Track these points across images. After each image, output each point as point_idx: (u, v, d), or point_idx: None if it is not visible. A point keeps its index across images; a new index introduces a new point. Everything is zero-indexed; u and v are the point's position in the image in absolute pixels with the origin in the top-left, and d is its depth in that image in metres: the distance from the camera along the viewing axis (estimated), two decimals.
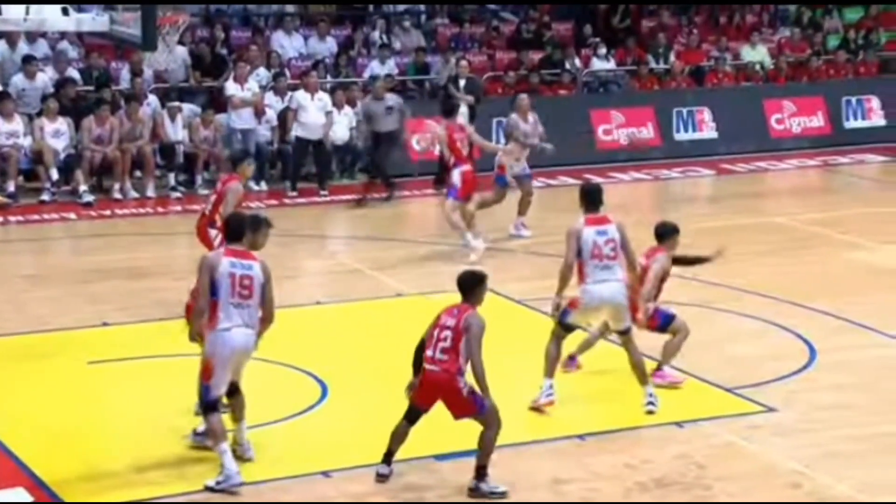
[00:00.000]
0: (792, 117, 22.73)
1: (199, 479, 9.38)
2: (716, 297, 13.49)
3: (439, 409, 9.93)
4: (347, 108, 19.84)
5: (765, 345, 12.36)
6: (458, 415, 9.13)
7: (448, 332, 8.96)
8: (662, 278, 11.10)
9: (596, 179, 17.94)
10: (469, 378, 8.92)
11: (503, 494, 8.99)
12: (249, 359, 9.39)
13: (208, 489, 8.98)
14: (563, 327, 10.74)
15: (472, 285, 9.25)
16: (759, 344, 12.38)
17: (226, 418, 9.55)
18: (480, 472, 9.03)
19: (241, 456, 9.46)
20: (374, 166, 19.12)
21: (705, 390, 11.14)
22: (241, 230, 9.49)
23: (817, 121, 22.78)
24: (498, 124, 20.19)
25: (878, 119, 22.92)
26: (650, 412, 10.52)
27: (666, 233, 11.23)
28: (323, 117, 19.12)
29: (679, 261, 11.35)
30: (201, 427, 9.62)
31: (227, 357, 9.19)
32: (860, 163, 21.52)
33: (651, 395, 10.62)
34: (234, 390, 9.46)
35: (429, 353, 9.02)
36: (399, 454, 9.55)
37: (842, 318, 12.85)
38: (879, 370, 11.69)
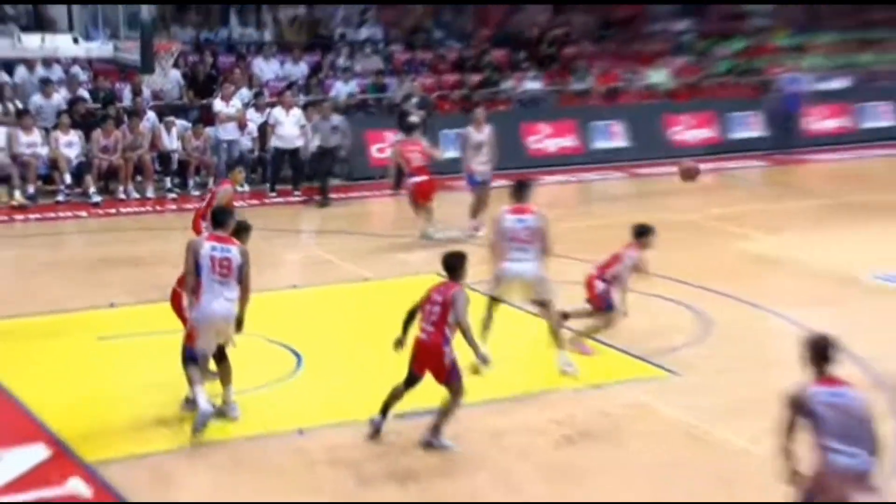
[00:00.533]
0: (688, 129, 22.90)
1: (187, 437, 9.33)
2: (631, 280, 13.55)
3: (390, 376, 9.88)
4: None
5: (670, 319, 12.42)
6: (439, 380, 9.07)
7: (437, 307, 8.95)
8: (638, 270, 11.29)
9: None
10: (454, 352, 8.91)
11: (451, 449, 9.00)
12: (230, 326, 9.34)
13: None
14: (492, 299, 10.89)
15: (455, 265, 9.27)
16: (666, 318, 12.43)
17: (216, 386, 9.52)
18: (436, 430, 9.03)
19: (226, 414, 9.47)
20: (319, 175, 18.86)
21: (620, 357, 11.18)
22: (224, 220, 9.48)
23: (709, 132, 22.95)
24: (444, 135, 20.18)
25: (757, 131, 23.08)
26: (565, 373, 10.57)
27: (642, 232, 11.37)
28: (297, 130, 18.99)
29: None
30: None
31: (209, 324, 9.24)
32: (744, 167, 21.67)
33: (566, 359, 10.64)
34: (221, 358, 9.42)
35: (422, 324, 9.00)
36: (361, 413, 9.51)
37: (734, 297, 12.94)
38: (765, 339, 11.84)
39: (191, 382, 9.34)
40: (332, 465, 8.92)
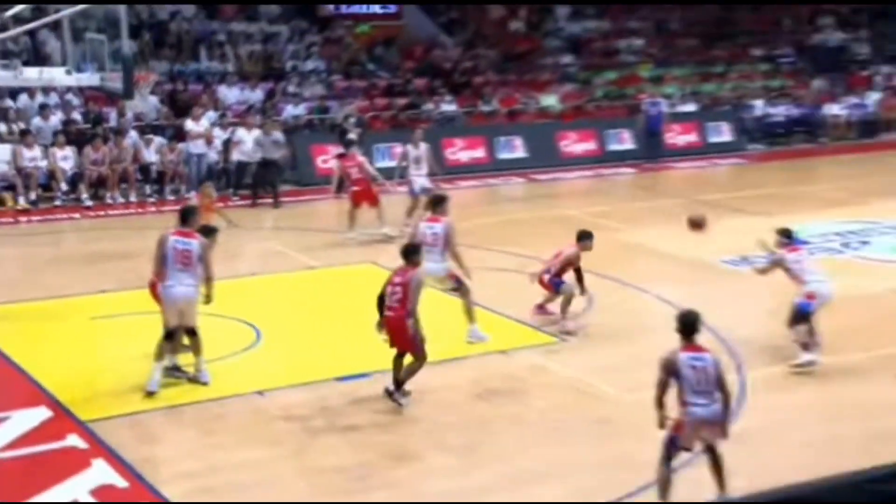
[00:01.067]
0: (574, 143, 22.93)
1: (173, 398, 9.23)
2: (527, 264, 13.61)
3: (334, 346, 9.84)
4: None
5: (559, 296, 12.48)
6: (403, 349, 9.00)
7: (398, 288, 8.90)
8: (570, 263, 11.22)
9: (445, 187, 17.98)
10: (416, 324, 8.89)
11: (404, 406, 8.96)
12: (193, 306, 9.22)
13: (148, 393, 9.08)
14: None
15: (410, 253, 9.23)
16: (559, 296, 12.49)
17: (190, 357, 9.40)
18: (399, 385, 8.99)
19: (198, 380, 9.36)
20: (266, 184, 18.39)
21: (521, 328, 11.23)
22: (188, 218, 9.39)
23: (591, 145, 23.00)
24: (377, 149, 20.09)
25: (629, 144, 23.26)
26: (471, 343, 10.58)
27: (583, 236, 11.39)
28: (256, 146, 18.68)
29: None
30: (172, 363, 9.49)
31: (172, 304, 9.14)
32: (619, 174, 21.84)
33: (476, 333, 10.65)
34: (193, 333, 9.29)
35: (388, 302, 8.92)
36: (310, 377, 9.45)
37: (610, 277, 13.00)
38: (635, 311, 11.97)
39: (155, 356, 9.26)
40: (286, 420, 8.89)
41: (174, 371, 9.52)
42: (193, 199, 12.05)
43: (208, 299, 9.41)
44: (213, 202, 12.69)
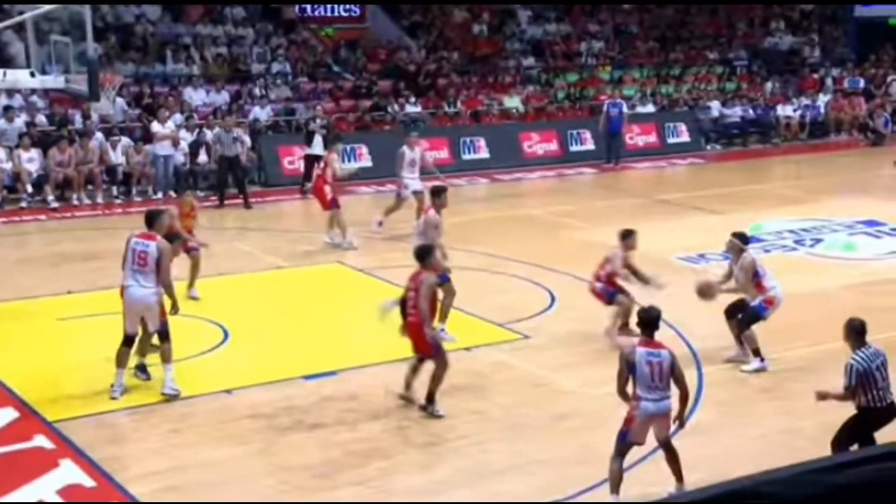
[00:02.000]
0: (537, 144, 23.01)
1: (137, 399, 9.16)
2: (491, 263, 13.70)
3: (301, 345, 9.79)
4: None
5: (522, 294, 12.53)
6: (423, 354, 8.81)
7: (413, 293, 8.72)
8: (616, 267, 10.58)
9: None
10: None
11: (441, 417, 8.70)
12: (150, 309, 9.04)
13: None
14: None
15: (423, 255, 9.02)
16: (519, 294, 12.55)
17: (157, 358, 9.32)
18: (430, 398, 8.74)
19: (164, 395, 9.07)
20: (229, 183, 18.12)
21: (485, 326, 11.25)
22: (151, 220, 9.29)
23: (553, 146, 23.08)
24: (343, 150, 19.97)
25: (590, 145, 23.31)
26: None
27: (625, 235, 10.71)
28: (236, 145, 18.23)
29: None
30: (140, 363, 9.41)
31: (128, 306, 9.02)
32: (580, 174, 21.94)
33: (443, 331, 10.55)
34: (163, 339, 9.17)
35: (407, 308, 8.73)
36: (277, 375, 9.40)
37: (571, 274, 13.09)
38: (596, 308, 11.93)
39: (116, 362, 9.09)
40: (253, 418, 8.85)
41: (140, 372, 9.44)
42: (172, 207, 11.89)
43: (174, 309, 9.28)
44: (193, 210, 12.45)
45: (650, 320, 7.35)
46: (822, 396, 7.53)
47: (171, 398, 9.07)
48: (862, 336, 7.43)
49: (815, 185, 20.04)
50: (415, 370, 8.98)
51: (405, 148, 15.97)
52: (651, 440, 7.39)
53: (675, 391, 7.32)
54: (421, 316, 8.64)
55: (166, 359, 9.16)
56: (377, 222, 15.53)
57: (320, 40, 25.49)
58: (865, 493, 4.63)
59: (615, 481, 7.23)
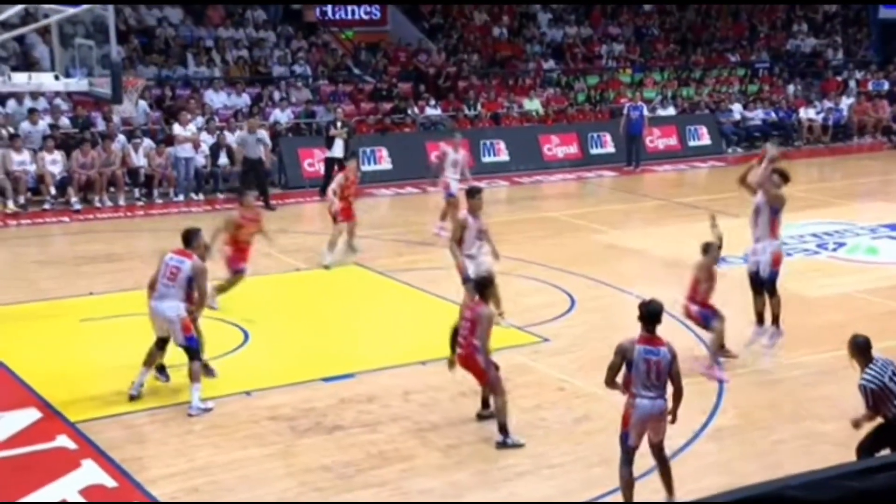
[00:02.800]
0: (557, 146, 22.95)
1: (159, 400, 9.21)
2: (511, 266, 13.67)
3: (320, 347, 9.79)
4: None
5: (542, 297, 12.51)
6: (480, 383, 8.59)
7: (468, 323, 8.37)
8: (703, 282, 9.95)
9: (430, 190, 18.05)
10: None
11: (522, 445, 8.36)
12: (173, 324, 8.98)
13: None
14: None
15: (483, 287, 8.62)
16: (538, 296, 12.53)
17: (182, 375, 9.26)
18: (502, 429, 8.39)
19: (190, 414, 8.95)
20: (253, 184, 17.57)
21: (505, 329, 11.11)
22: (188, 239, 9.29)
23: (573, 149, 23.01)
24: (363, 152, 20.10)
25: (610, 148, 23.26)
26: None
27: (708, 248, 10.08)
28: (260, 147, 18.30)
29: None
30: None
31: (154, 316, 9.08)
32: (600, 177, 21.89)
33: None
34: (192, 356, 9.03)
35: (460, 339, 8.42)
36: (297, 377, 9.41)
37: (590, 277, 13.13)
38: (614, 310, 12.01)
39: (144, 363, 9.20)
40: (273, 419, 8.88)
41: (159, 374, 9.49)
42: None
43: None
44: (258, 217, 12.13)
45: (651, 314, 7.04)
46: (856, 424, 7.31)
47: (192, 416, 8.91)
48: (868, 352, 7.24)
49: (838, 189, 19.90)
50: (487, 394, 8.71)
51: (449, 149, 15.86)
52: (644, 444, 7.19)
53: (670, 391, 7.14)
54: (474, 347, 8.34)
55: (194, 378, 9.02)
56: (439, 228, 15.23)
57: (341, 43, 25.57)
58: (893, 499, 4.58)
59: (627, 489, 7.09)
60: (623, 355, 7.04)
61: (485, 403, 8.74)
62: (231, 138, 19.35)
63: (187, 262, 9.06)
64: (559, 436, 8.62)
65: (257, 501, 7.50)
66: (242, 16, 24.35)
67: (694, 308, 9.96)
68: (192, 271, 9.03)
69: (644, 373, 6.96)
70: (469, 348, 8.36)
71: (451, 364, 8.60)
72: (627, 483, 7.10)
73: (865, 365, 7.21)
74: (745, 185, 10.43)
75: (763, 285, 10.28)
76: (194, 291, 9.10)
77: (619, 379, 7.15)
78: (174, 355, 9.43)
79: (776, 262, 10.15)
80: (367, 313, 11.82)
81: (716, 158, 23.68)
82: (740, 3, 30.11)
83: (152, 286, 9.17)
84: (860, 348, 7.26)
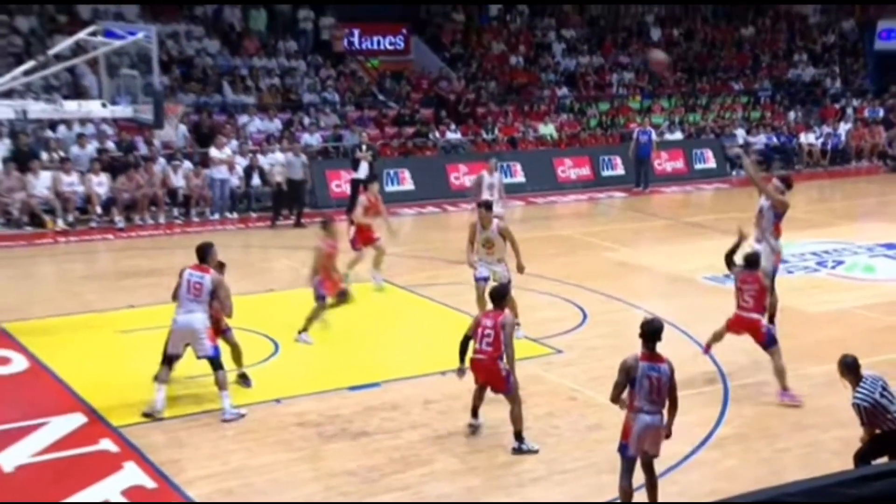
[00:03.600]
0: (570, 169, 22.92)
1: (197, 405, 9.23)
2: (526, 281, 13.64)
3: (346, 358, 9.80)
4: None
5: (555, 311, 12.49)
6: (496, 390, 8.41)
7: (490, 331, 8.20)
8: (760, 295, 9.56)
9: (450, 210, 18.07)
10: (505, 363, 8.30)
11: (536, 451, 8.31)
12: (197, 335, 9.02)
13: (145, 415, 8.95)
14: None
15: (500, 297, 8.54)
16: (552, 310, 12.51)
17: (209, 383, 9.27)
18: (518, 436, 8.32)
19: (226, 420, 8.99)
20: (294, 203, 18.35)
21: (520, 341, 11.09)
22: (201, 254, 9.30)
23: (586, 171, 22.99)
24: (387, 174, 20.18)
25: (620, 170, 23.18)
26: None
27: (750, 263, 9.70)
28: (301, 169, 18.63)
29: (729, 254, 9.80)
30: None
31: (178, 330, 9.09)
32: (611, 197, 21.87)
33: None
34: (217, 366, 9.06)
35: (476, 345, 8.26)
36: (324, 386, 9.41)
37: (602, 293, 13.10)
38: (624, 324, 11.87)
39: (157, 378, 9.13)
40: (301, 426, 8.90)
41: (243, 381, 9.58)
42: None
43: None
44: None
45: (653, 333, 6.99)
46: (863, 441, 7.25)
47: (226, 421, 8.96)
48: (857, 370, 7.18)
49: (837, 210, 19.80)
50: (479, 397, 8.67)
51: (484, 172, 15.89)
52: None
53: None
54: (498, 353, 8.23)
55: (222, 386, 9.05)
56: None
57: (367, 71, 25.71)
58: None
59: (626, 499, 7.01)
60: (627, 373, 6.98)
61: (516, 435, 8.45)
62: (263, 160, 19.54)
63: (207, 277, 9.10)
64: (571, 443, 8.59)
65: (286, 502, 7.51)
66: (275, 46, 24.55)
67: (764, 324, 9.64)
68: (212, 285, 9.09)
69: (647, 389, 6.91)
70: (494, 354, 8.22)
71: (462, 373, 8.49)
72: (627, 493, 7.04)
73: (856, 383, 7.15)
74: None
75: None
76: (214, 303, 9.14)
77: (625, 395, 7.11)
78: (195, 366, 9.48)
79: (777, 258, 10.09)
80: (391, 326, 11.84)
81: (720, 181, 23.61)
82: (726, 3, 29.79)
83: (175, 297, 9.25)
84: (849, 367, 7.21)
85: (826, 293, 13.29)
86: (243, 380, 9.66)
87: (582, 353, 10.82)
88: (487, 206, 11.50)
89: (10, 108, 11.22)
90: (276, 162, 19.25)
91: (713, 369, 10.10)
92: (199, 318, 9.03)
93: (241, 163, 19.59)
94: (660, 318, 7.31)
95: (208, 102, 22.20)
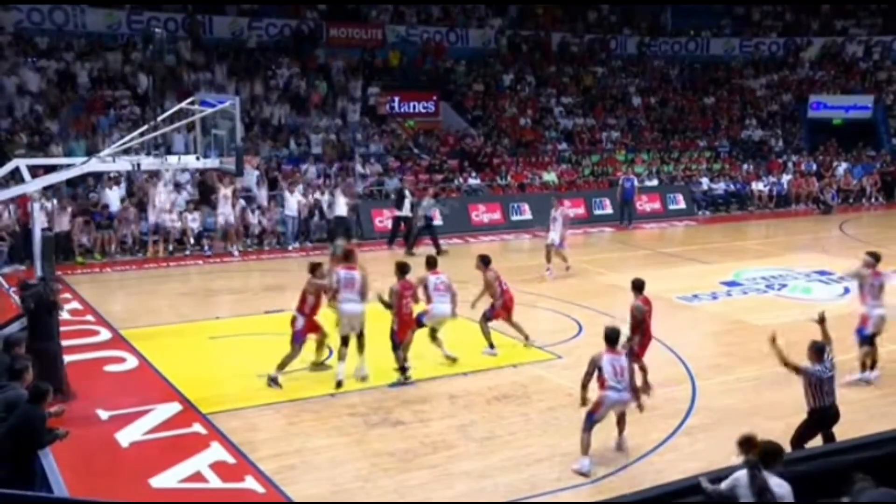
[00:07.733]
0: (569, 208, 22.85)
1: (268, 398, 9.26)
2: (532, 299, 13.68)
3: (388, 361, 9.85)
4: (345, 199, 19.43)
5: (556, 324, 12.43)
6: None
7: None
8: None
9: (471, 241, 18.06)
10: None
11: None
12: (357, 319, 9.61)
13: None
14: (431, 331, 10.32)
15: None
16: (553, 323, 12.45)
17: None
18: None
19: (357, 375, 9.66)
20: (342, 235, 17.82)
21: (526, 348, 11.16)
22: (348, 258, 9.94)
23: (581, 210, 22.81)
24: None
25: (609, 209, 23.05)
26: (486, 355, 10.54)
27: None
28: (346, 208, 18.71)
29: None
30: (273, 375, 9.55)
31: (346, 317, 9.65)
32: (602, 231, 21.77)
33: (488, 350, 10.64)
34: (360, 336, 9.68)
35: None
36: (369, 383, 9.40)
37: (594, 309, 13.00)
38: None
39: (340, 356, 9.48)
40: (351, 415, 8.93)
41: (271, 380, 9.63)
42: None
43: (381, 302, 9.69)
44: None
45: (613, 336, 7.73)
46: (772, 338, 7.48)
47: (360, 378, 9.55)
48: (822, 354, 7.55)
49: (781, 243, 19.64)
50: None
51: (553, 210, 16.06)
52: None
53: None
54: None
55: (361, 350, 9.68)
56: (546, 270, 15.42)
57: (405, 130, 25.92)
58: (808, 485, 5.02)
59: (586, 446, 7.63)
60: (594, 364, 7.73)
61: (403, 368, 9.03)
62: (323, 200, 19.56)
63: (356, 273, 9.59)
64: (569, 431, 8.54)
65: (339, 478, 7.52)
66: (333, 107, 24.79)
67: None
68: (361, 277, 9.61)
69: (611, 373, 7.65)
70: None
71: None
72: (587, 442, 7.63)
73: (817, 363, 7.48)
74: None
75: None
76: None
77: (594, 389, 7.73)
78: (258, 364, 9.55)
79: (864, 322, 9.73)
80: (422, 336, 11.82)
81: (689, 219, 23.47)
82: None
83: (334, 296, 9.54)
84: (817, 351, 7.60)
85: (773, 310, 13.18)
86: (321, 367, 9.87)
87: (578, 358, 10.70)
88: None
89: (127, 162, 11.46)
90: (330, 202, 19.27)
91: (683, 371, 10.03)
92: (361, 305, 9.46)
93: (303, 202, 19.65)
94: (618, 327, 7.91)
95: (278, 154, 22.43)
